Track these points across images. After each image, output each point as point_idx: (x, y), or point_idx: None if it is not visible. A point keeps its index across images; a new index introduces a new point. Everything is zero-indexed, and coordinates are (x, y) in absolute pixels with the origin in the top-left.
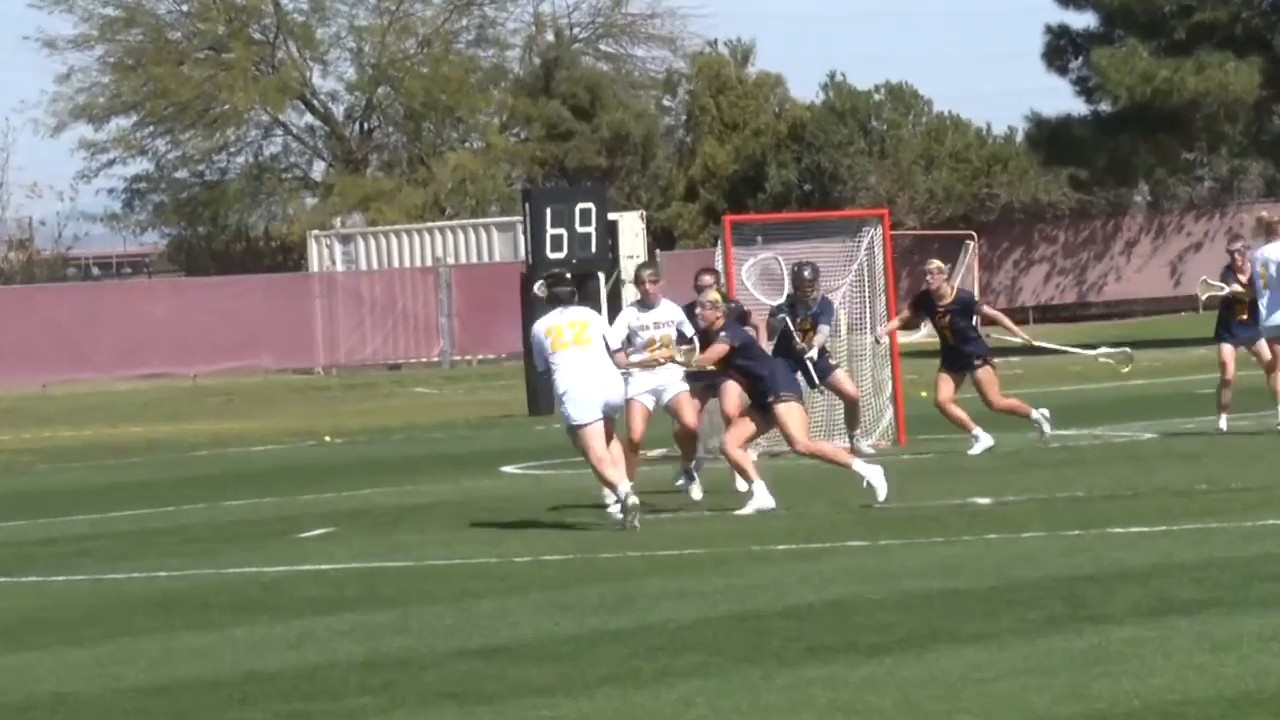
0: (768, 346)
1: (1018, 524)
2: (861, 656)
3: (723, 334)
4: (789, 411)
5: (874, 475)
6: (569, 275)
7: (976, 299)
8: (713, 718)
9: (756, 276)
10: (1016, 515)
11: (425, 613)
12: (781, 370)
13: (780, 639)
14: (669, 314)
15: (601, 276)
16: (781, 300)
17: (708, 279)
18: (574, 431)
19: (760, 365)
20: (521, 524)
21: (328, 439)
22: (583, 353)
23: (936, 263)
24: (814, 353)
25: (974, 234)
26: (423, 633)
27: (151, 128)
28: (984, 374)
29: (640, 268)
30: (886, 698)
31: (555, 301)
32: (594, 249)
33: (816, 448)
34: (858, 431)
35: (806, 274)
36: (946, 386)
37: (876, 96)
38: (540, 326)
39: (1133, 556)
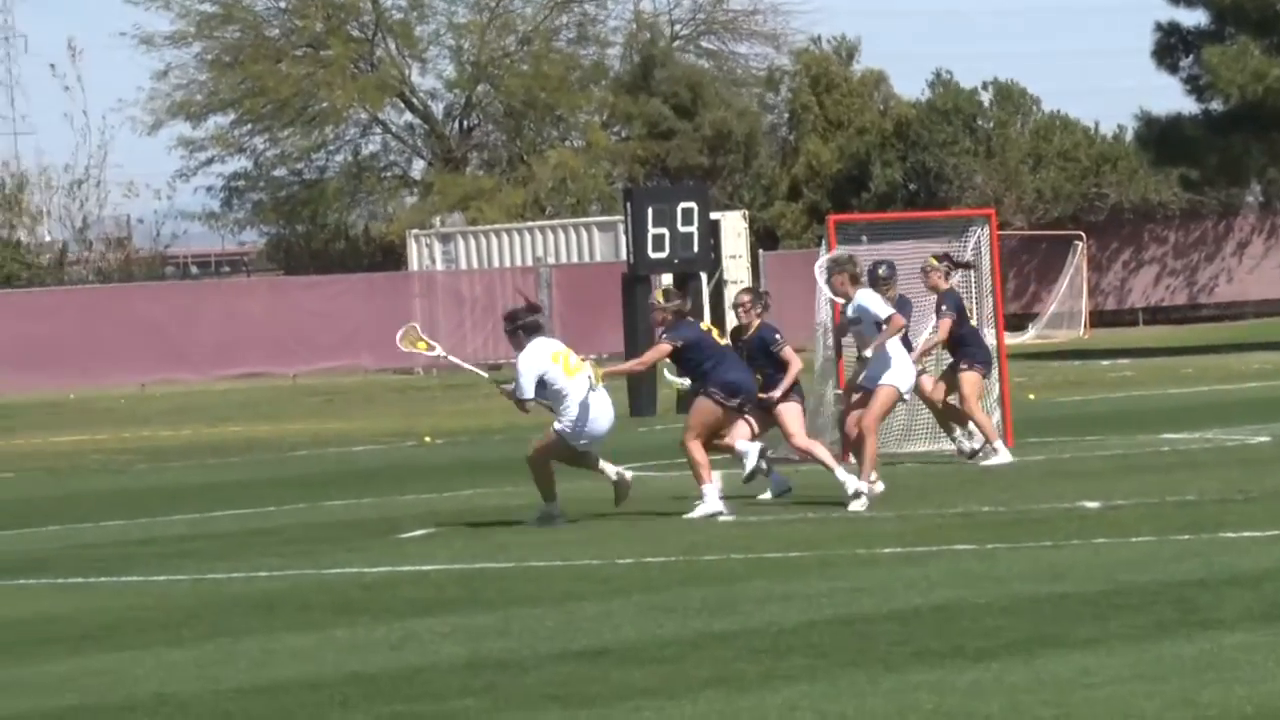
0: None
1: (1127, 528)
2: (968, 661)
3: (664, 335)
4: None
5: (852, 486)
6: (534, 305)
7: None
8: None
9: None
10: (1126, 519)
11: (527, 615)
12: (730, 367)
13: (886, 643)
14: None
15: (704, 277)
16: None
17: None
18: (576, 449)
19: (706, 361)
20: (624, 525)
21: (428, 439)
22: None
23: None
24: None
25: (1083, 235)
26: (525, 635)
27: (250, 125)
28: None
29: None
30: (993, 703)
31: (534, 332)
32: (696, 249)
33: (808, 446)
34: (959, 432)
35: (882, 271)
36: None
37: (983, 95)
38: (541, 356)
39: (1244, 561)
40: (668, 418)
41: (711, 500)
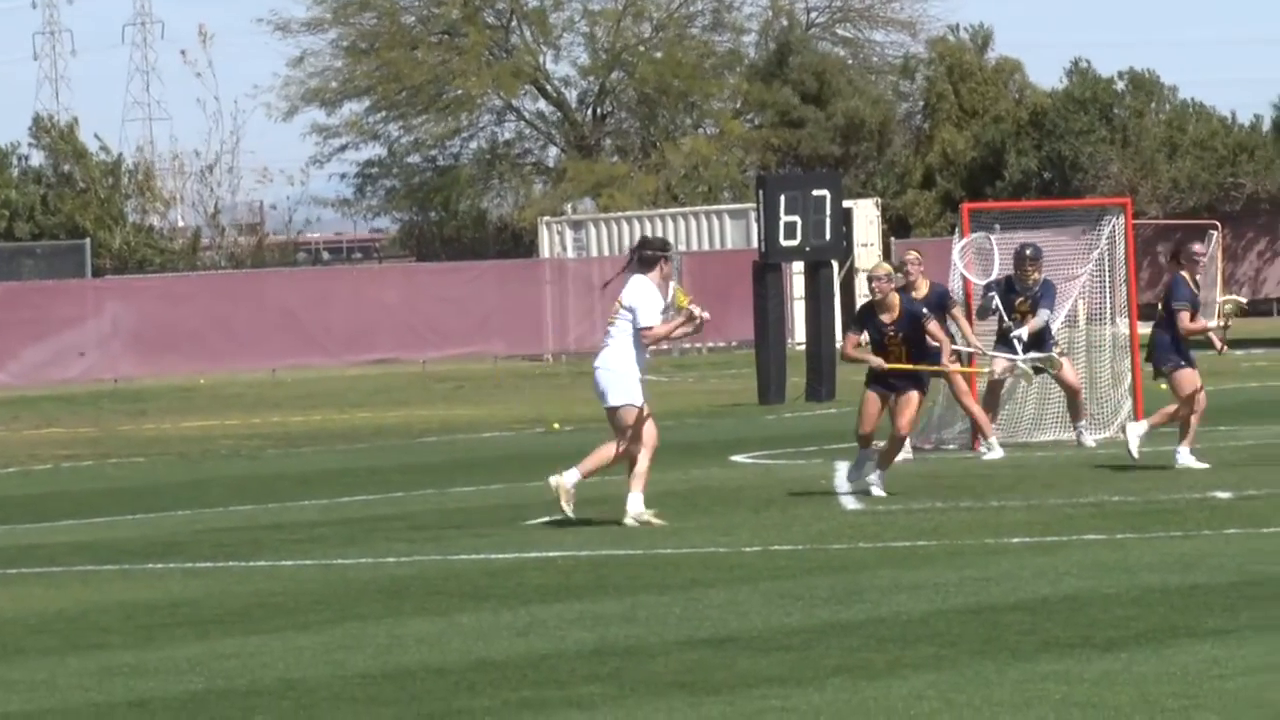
0: (980, 326)
1: (1259, 518)
2: (1097, 651)
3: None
4: None
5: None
6: (653, 240)
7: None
8: (945, 711)
9: (971, 255)
10: (1258, 509)
11: (654, 601)
12: None
13: (1014, 633)
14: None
15: (835, 265)
16: (992, 279)
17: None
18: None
19: None
20: (751, 513)
21: (556, 426)
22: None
23: (913, 254)
24: (1022, 332)
25: (1218, 224)
26: (651, 622)
27: (384, 112)
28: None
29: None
30: (1123, 694)
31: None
32: (828, 236)
33: None
34: (1082, 423)
35: (1028, 253)
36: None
37: (1119, 84)
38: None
39: None
40: (797, 405)
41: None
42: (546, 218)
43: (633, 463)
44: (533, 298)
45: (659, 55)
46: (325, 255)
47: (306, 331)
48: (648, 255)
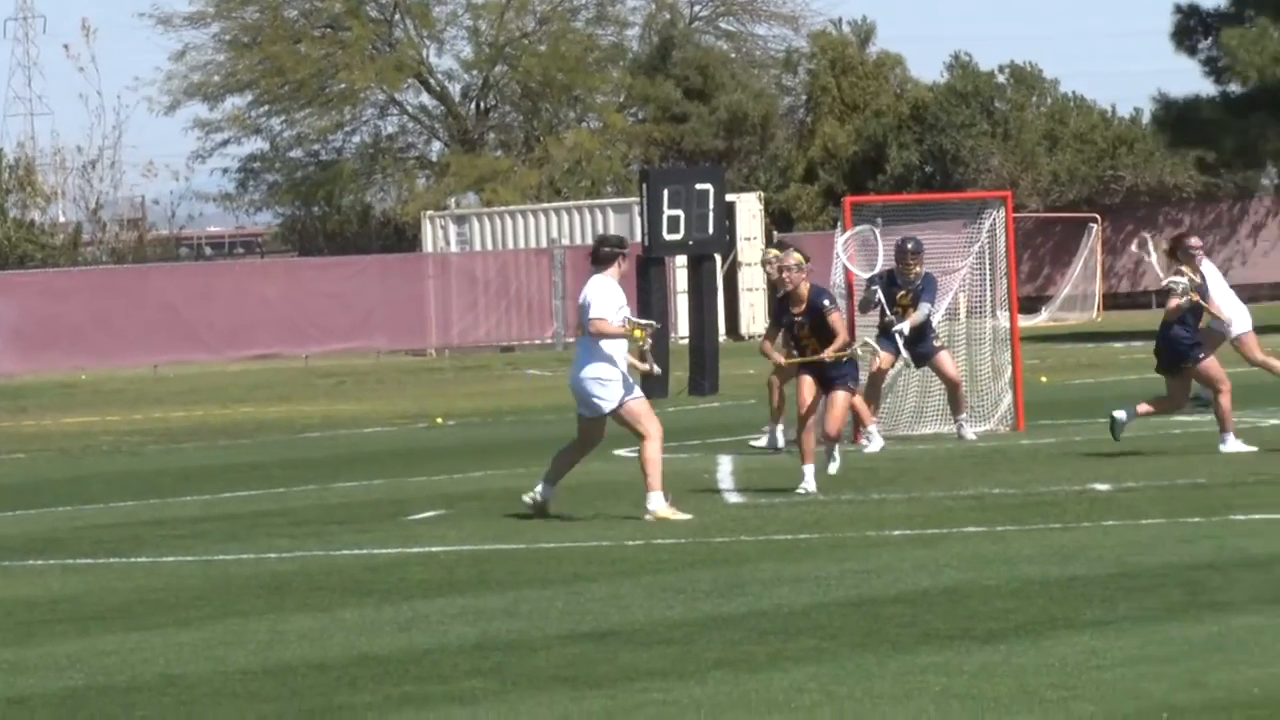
0: (863, 320)
1: (1137, 510)
2: (977, 643)
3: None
4: None
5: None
6: (609, 237)
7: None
8: (826, 703)
9: (854, 248)
10: (1136, 501)
11: (536, 596)
12: None
13: (894, 625)
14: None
15: (718, 258)
16: (875, 273)
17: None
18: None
19: None
20: (634, 508)
21: (439, 421)
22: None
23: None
24: (903, 326)
25: (1098, 217)
26: (534, 616)
27: (267, 106)
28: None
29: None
30: (1002, 685)
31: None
32: (711, 230)
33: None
34: (963, 416)
35: (910, 247)
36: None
37: (1000, 77)
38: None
39: (1255, 544)
40: (680, 399)
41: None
42: (430, 212)
43: (572, 458)
44: (416, 292)
45: (543, 49)
46: (208, 250)
47: (188, 327)
48: (605, 253)
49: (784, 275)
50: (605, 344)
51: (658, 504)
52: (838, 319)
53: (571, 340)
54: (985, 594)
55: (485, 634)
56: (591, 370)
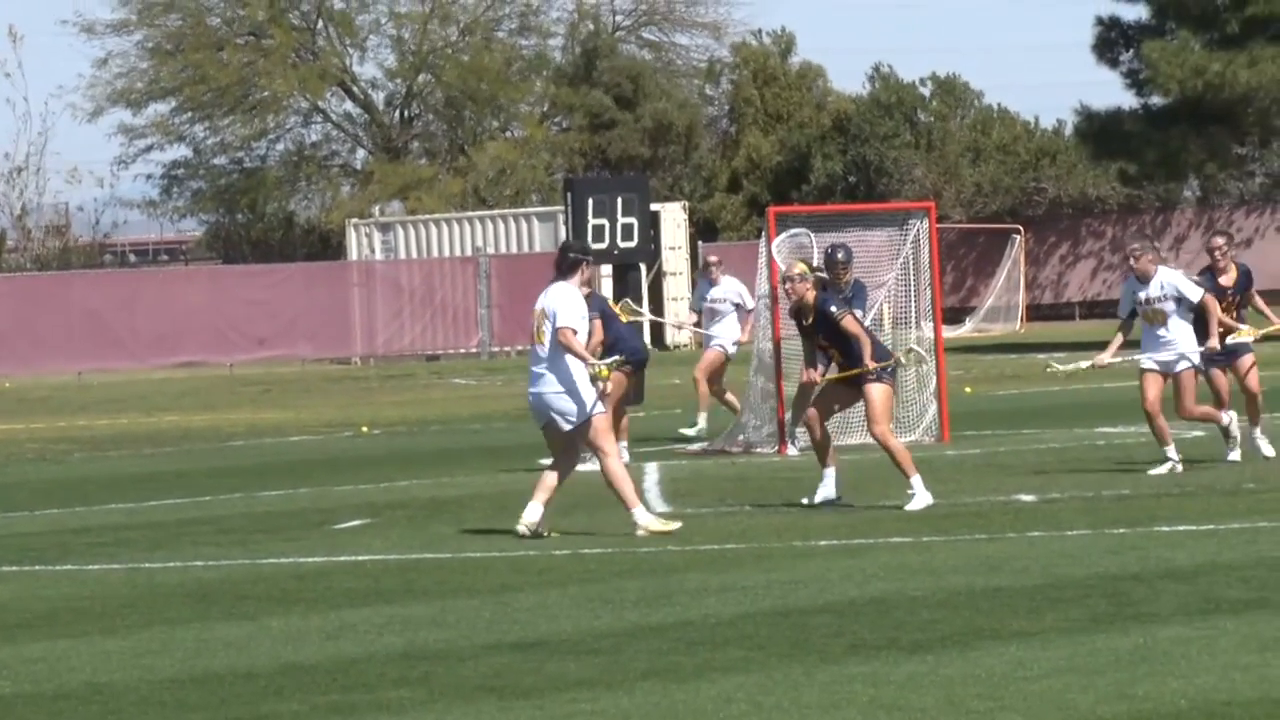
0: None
1: (1063, 521)
2: (904, 653)
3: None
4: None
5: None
6: (573, 244)
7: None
8: (754, 714)
9: (787, 251)
10: (1062, 513)
11: (463, 606)
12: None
13: (822, 635)
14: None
15: (643, 267)
16: None
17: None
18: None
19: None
20: (560, 516)
21: (365, 430)
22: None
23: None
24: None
25: (1020, 228)
26: (460, 626)
27: (190, 114)
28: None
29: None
30: (929, 695)
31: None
32: (636, 239)
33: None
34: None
35: (840, 255)
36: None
37: (923, 88)
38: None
39: (1179, 555)
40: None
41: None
42: (354, 220)
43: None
44: (341, 300)
45: (466, 59)
46: (132, 258)
47: (112, 334)
48: (570, 259)
49: (786, 287)
50: (567, 355)
51: (643, 518)
52: (851, 322)
53: (497, 350)
54: (912, 604)
55: (412, 643)
56: (554, 385)
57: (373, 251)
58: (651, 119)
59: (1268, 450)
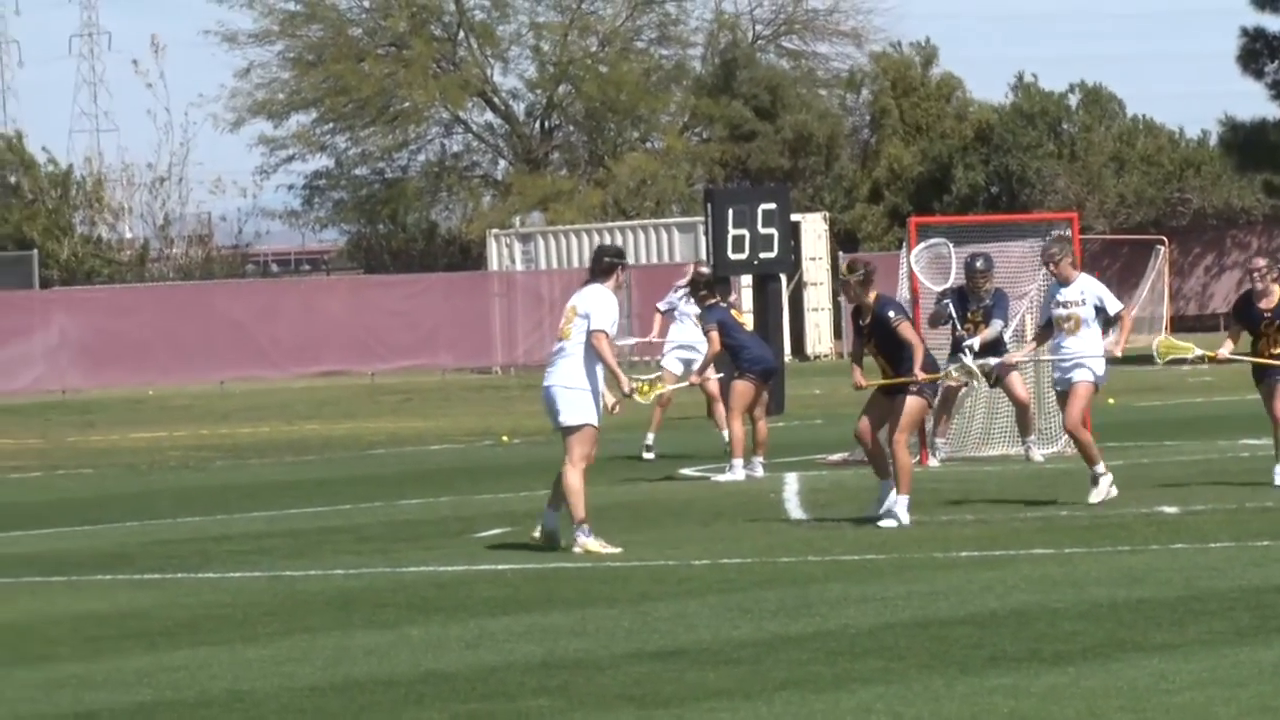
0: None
1: (1206, 534)
2: (1045, 665)
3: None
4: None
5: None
6: (609, 248)
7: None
8: None
9: (925, 261)
10: (1204, 525)
11: (602, 615)
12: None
13: (962, 647)
14: None
15: (784, 279)
16: (947, 286)
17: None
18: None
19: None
20: (700, 527)
21: (505, 439)
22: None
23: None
24: (974, 342)
25: (1165, 239)
26: (600, 635)
27: (331, 124)
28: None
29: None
30: (1070, 708)
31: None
32: (776, 250)
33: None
34: (1031, 438)
35: (979, 264)
36: None
37: (1069, 98)
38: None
39: None
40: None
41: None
42: (495, 230)
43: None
44: (481, 310)
45: (605, 70)
46: (274, 267)
47: (254, 343)
48: (605, 263)
49: (845, 291)
50: (590, 358)
51: (585, 538)
52: (907, 328)
53: (637, 359)
54: (1053, 616)
55: (551, 652)
56: (565, 379)
57: (513, 262)
58: (792, 130)
59: None
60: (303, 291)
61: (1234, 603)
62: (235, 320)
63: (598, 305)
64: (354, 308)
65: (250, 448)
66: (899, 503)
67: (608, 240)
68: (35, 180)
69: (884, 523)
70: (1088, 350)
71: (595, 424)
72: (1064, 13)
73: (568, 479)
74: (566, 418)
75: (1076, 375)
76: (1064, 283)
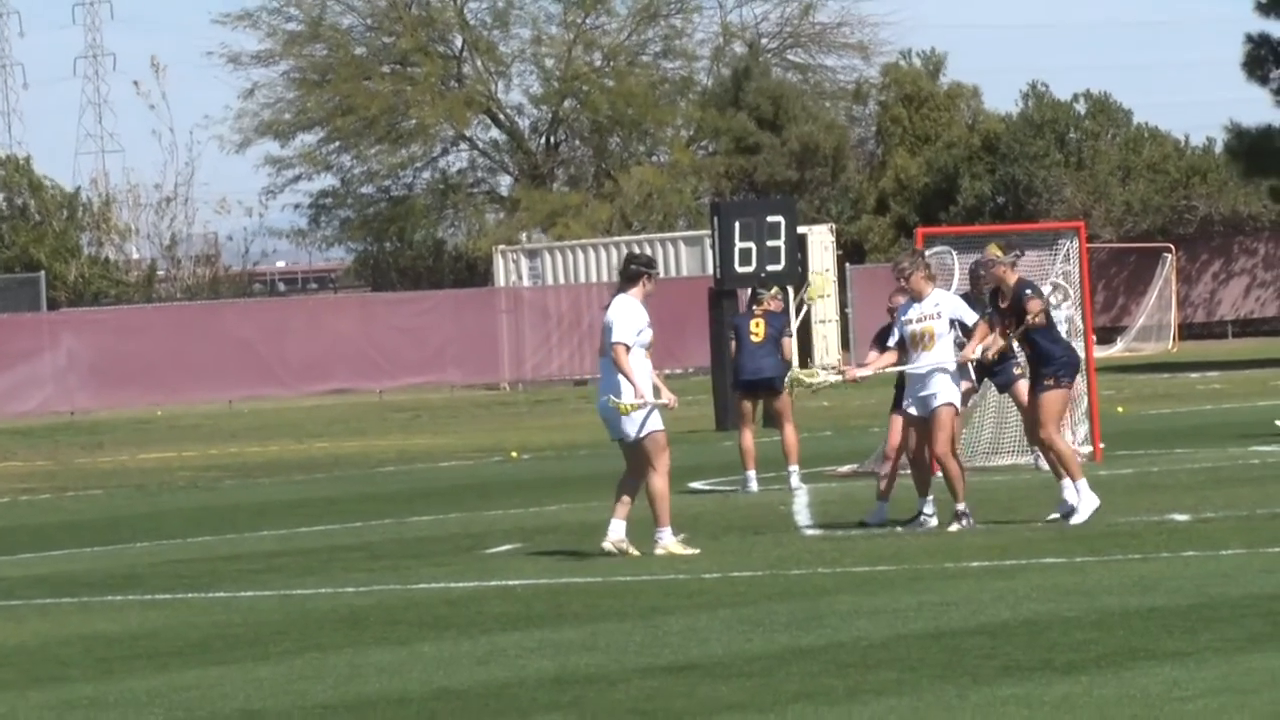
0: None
1: (1217, 541)
2: (1058, 674)
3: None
4: None
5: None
6: (638, 256)
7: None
8: None
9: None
10: (1216, 532)
11: (613, 629)
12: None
13: (974, 657)
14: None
15: (790, 290)
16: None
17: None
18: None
19: None
20: (710, 540)
21: (514, 455)
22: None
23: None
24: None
25: (1172, 247)
26: (611, 649)
27: (337, 143)
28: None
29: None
30: (1083, 716)
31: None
32: (783, 262)
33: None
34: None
35: (983, 271)
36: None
37: (1077, 107)
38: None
39: None
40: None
41: (1087, 496)
42: (502, 247)
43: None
44: (488, 326)
45: (610, 84)
46: (281, 286)
47: (263, 362)
48: (631, 271)
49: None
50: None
51: (668, 539)
52: (1035, 304)
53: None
54: (1065, 625)
55: (563, 667)
56: (614, 393)
57: (520, 277)
58: (798, 141)
59: None
60: (310, 310)
61: (1246, 610)
62: (243, 339)
63: (619, 316)
64: (362, 326)
65: (259, 467)
66: (1073, 490)
67: (614, 255)
68: (43, 202)
69: (1074, 519)
70: (941, 365)
71: (659, 428)
72: (1068, 21)
73: (652, 484)
74: (628, 429)
75: (936, 402)
76: (917, 297)
